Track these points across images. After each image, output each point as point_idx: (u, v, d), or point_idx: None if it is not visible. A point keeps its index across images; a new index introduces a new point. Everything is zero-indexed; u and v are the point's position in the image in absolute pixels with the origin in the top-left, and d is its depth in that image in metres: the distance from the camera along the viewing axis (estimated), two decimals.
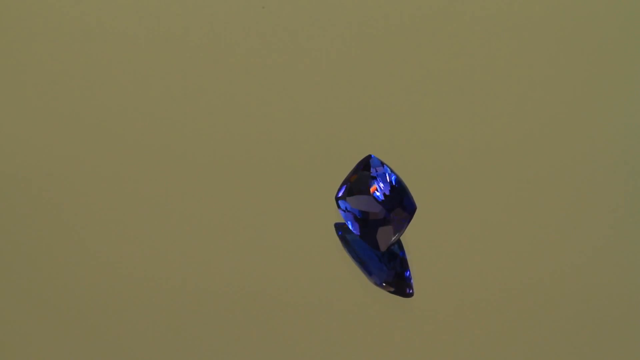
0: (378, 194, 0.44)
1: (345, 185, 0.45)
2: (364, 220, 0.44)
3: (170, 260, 0.47)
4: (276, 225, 0.48)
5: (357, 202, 0.44)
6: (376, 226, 0.44)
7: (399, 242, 0.47)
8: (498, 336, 0.45)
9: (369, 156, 0.45)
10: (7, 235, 0.47)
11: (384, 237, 0.44)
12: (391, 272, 0.46)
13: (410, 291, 0.46)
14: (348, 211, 0.45)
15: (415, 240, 0.47)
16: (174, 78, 0.52)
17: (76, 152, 0.50)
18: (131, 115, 0.51)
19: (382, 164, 0.44)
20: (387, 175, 0.44)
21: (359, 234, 0.45)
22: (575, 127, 0.51)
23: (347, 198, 0.44)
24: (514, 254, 0.47)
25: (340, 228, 0.48)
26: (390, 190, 0.44)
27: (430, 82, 0.52)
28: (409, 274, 0.46)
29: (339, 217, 0.48)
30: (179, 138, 0.51)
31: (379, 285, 0.46)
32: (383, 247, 0.44)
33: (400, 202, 0.44)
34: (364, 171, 0.44)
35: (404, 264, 0.46)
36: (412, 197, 0.44)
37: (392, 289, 0.46)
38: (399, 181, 0.44)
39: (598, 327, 0.45)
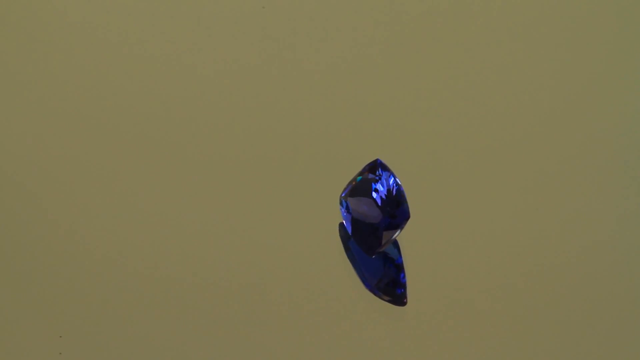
0: (376, 197, 0.44)
1: (350, 186, 0.45)
2: (359, 222, 0.44)
3: (173, 260, 0.47)
4: (283, 225, 0.48)
5: (357, 204, 0.44)
6: (368, 230, 0.44)
7: (397, 249, 0.47)
8: (493, 344, 0.45)
9: (376, 160, 0.45)
10: (7, 235, 0.47)
11: (374, 241, 0.44)
12: (386, 278, 0.46)
13: (405, 300, 0.46)
14: (348, 212, 0.45)
15: (414, 246, 0.47)
16: (177, 78, 0.52)
17: (75, 150, 0.50)
18: (136, 114, 0.51)
19: (387, 168, 0.44)
20: (388, 180, 0.44)
21: (351, 234, 0.45)
22: (570, 133, 0.51)
23: (349, 199, 0.45)
24: (512, 261, 0.47)
25: (343, 229, 0.48)
26: (387, 196, 0.44)
27: (441, 86, 0.52)
28: (405, 282, 0.46)
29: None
30: (184, 138, 0.51)
31: (374, 292, 0.46)
32: (372, 252, 0.45)
33: (394, 209, 0.44)
34: (369, 174, 0.44)
35: (400, 271, 0.46)
36: (407, 206, 0.44)
37: (388, 298, 0.46)
38: (398, 188, 0.44)
39: (595, 344, 0.45)
